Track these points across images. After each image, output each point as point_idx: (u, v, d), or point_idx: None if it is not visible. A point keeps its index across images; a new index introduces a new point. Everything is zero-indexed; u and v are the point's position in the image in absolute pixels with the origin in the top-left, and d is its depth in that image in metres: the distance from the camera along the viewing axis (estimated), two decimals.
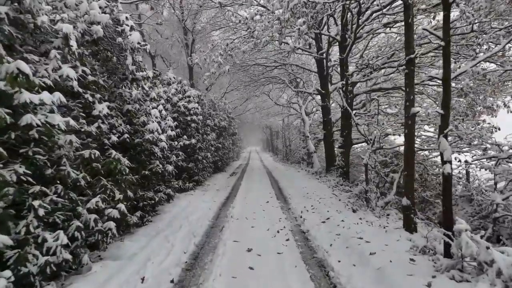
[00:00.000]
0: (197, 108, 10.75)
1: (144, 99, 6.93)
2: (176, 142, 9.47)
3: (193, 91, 11.97)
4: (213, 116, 16.52)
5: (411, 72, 5.25)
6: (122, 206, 4.42)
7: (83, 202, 4.10)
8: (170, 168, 7.83)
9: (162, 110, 8.47)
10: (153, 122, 6.91)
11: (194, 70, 17.82)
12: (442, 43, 3.95)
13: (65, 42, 4.30)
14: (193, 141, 10.19)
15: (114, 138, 5.18)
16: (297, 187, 11.14)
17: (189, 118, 10.50)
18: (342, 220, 6.20)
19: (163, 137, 7.56)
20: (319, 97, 16.07)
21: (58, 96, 3.61)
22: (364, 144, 13.51)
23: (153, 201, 6.58)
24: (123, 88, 6.49)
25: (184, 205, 7.92)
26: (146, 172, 6.38)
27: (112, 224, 4.19)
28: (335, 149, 13.04)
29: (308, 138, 17.87)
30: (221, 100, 20.53)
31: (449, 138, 9.34)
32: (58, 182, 3.64)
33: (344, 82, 9.76)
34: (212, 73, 9.79)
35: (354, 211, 7.35)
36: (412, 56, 5.18)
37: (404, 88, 10.38)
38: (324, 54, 13.29)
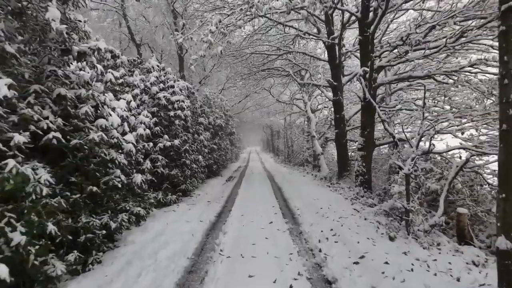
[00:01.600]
0: (183, 101, 8.67)
1: (97, 81, 4.89)
2: (152, 143, 7.40)
3: (180, 82, 9.92)
4: (208, 113, 14.43)
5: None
6: (1, 269, 2.35)
7: None
8: (138, 178, 5.77)
9: (131, 101, 6.41)
10: (109, 115, 4.86)
11: (186, 60, 15.74)
12: None
13: None
14: (177, 142, 8.10)
15: (19, 138, 3.11)
16: (306, 197, 9.09)
17: (172, 113, 8.42)
18: (386, 262, 4.13)
19: (130, 136, 5.51)
20: (329, 93, 14.02)
21: None
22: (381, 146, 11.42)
23: (105, 231, 4.51)
24: (66, 65, 4.46)
25: (159, 228, 5.84)
26: (94, 189, 4.30)
27: None
28: (356, 151, 10.93)
29: (314, 138, 15.80)
30: (217, 96, 18.43)
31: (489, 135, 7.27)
32: None
33: (367, 68, 7.69)
34: (200, 56, 7.72)
35: (391, 238, 5.32)
36: None
37: (436, 77, 8.39)
38: (337, 39, 11.22)
